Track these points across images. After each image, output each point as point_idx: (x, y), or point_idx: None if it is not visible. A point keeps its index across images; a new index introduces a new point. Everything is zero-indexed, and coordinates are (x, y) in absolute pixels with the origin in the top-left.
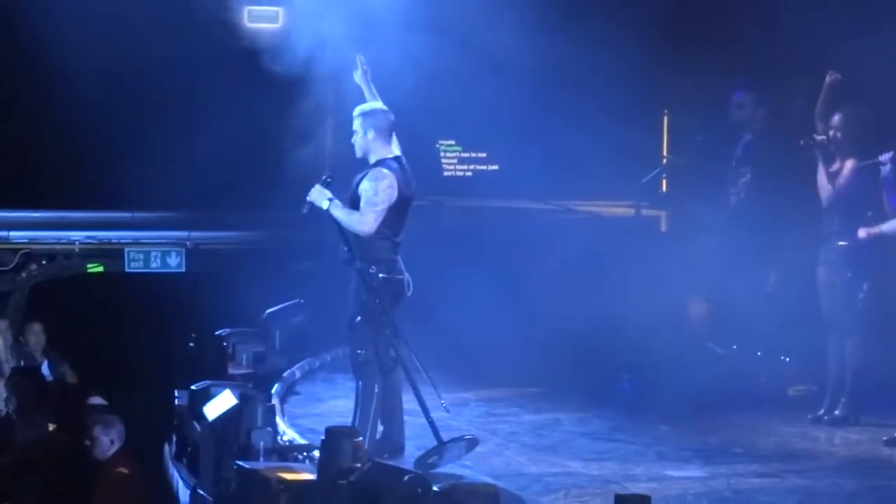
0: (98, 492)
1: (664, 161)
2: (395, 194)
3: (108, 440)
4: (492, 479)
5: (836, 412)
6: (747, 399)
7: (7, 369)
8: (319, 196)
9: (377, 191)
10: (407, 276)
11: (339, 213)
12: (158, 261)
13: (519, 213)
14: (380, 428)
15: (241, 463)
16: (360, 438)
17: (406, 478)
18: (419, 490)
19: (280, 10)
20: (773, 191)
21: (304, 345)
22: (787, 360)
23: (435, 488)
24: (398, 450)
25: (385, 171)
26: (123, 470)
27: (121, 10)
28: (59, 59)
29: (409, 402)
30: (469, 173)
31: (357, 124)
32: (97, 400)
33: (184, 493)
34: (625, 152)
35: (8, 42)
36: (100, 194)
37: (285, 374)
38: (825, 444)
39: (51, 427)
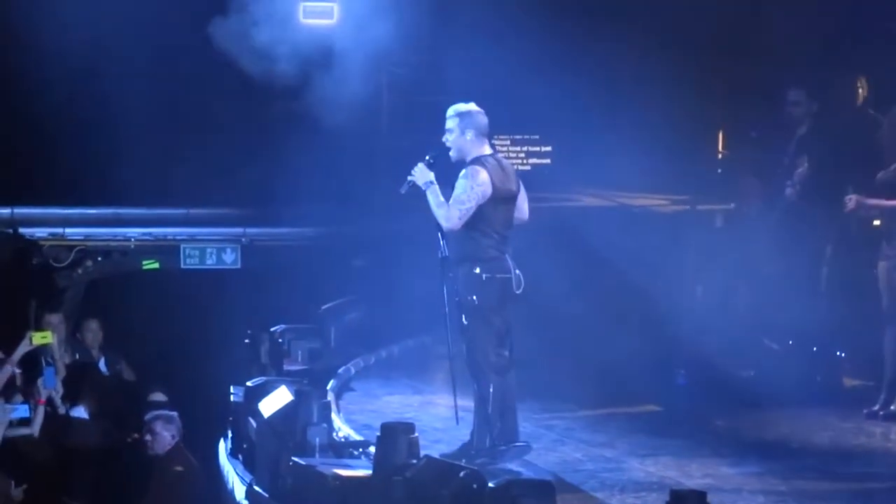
0: (155, 487)
1: (719, 156)
2: (488, 191)
3: (168, 436)
4: (547, 474)
5: (892, 407)
6: (802, 394)
7: (61, 365)
8: (422, 175)
9: (467, 188)
10: (516, 273)
11: (432, 199)
12: (214, 257)
13: (572, 209)
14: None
15: (296, 459)
16: (415, 436)
17: (462, 474)
18: (475, 486)
19: (335, 5)
20: (830, 186)
21: (360, 341)
22: (843, 355)
23: (490, 484)
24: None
25: (479, 168)
26: (181, 466)
27: (168, 8)
28: (111, 58)
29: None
30: (528, 167)
31: (453, 124)
32: (158, 396)
33: (239, 490)
34: (680, 147)
35: (60, 46)
36: (156, 191)
37: (340, 371)
38: (881, 439)
39: (107, 423)
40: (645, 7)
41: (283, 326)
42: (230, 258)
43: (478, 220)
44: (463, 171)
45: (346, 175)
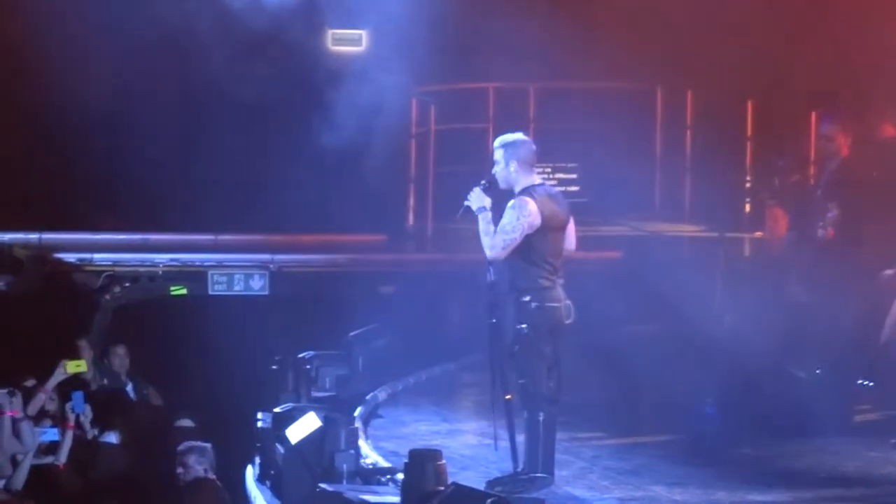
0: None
1: (747, 185)
2: (536, 221)
3: (201, 469)
4: (574, 502)
5: None
6: (830, 423)
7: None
8: (477, 200)
9: (513, 219)
10: (566, 302)
11: (482, 225)
12: (242, 283)
13: (600, 238)
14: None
15: (324, 485)
16: (442, 462)
17: (489, 501)
18: None
19: (364, 32)
20: (861, 229)
21: (387, 368)
22: (871, 384)
23: None
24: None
25: (527, 198)
26: (210, 494)
27: (198, 35)
28: (140, 83)
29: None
30: None
31: (499, 155)
32: (185, 422)
33: None
34: (708, 176)
35: (88, 72)
36: (183, 217)
37: (368, 397)
38: None
39: (136, 449)
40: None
41: (310, 353)
42: (258, 284)
43: (527, 250)
44: (511, 202)
45: (374, 201)
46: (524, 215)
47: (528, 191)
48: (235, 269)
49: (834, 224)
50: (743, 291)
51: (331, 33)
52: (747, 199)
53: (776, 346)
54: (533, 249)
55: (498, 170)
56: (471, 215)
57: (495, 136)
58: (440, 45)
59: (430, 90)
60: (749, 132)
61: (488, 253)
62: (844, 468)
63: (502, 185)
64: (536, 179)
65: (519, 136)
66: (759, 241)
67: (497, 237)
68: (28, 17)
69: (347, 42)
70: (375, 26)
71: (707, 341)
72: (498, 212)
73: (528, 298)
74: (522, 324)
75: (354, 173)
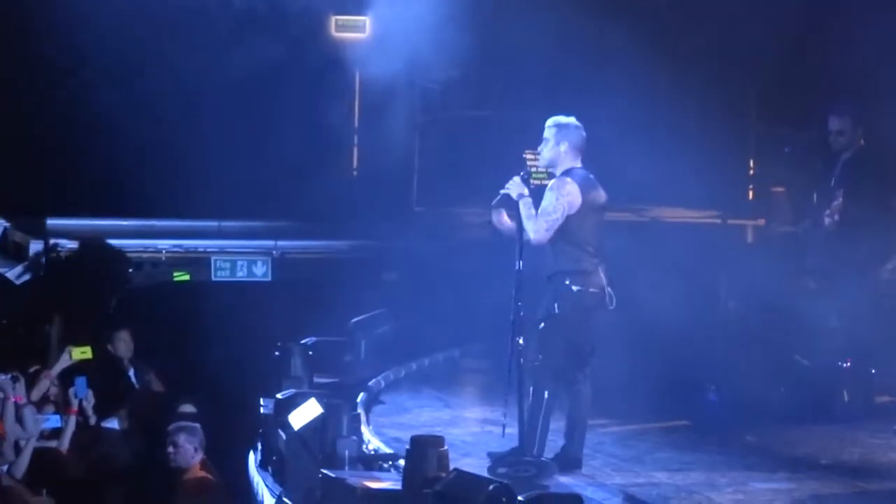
0: (179, 500)
1: (750, 172)
2: (576, 201)
3: (192, 448)
4: (576, 488)
5: None
6: (833, 410)
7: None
8: (516, 188)
9: (554, 199)
10: (609, 290)
11: (524, 210)
12: (245, 269)
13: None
14: (562, 440)
15: (326, 471)
16: (444, 449)
17: (491, 487)
18: (504, 500)
19: (367, 19)
20: (866, 219)
21: (390, 354)
22: (874, 371)
23: (520, 498)
24: (575, 464)
25: (568, 179)
26: (206, 478)
27: (201, 21)
28: (143, 71)
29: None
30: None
31: (550, 133)
32: (188, 408)
33: (269, 502)
34: (711, 161)
35: (91, 57)
36: (187, 203)
37: (370, 384)
38: None
39: (138, 435)
40: (681, 20)
41: (313, 339)
42: (261, 271)
43: (568, 233)
44: (550, 183)
45: (376, 189)
46: (563, 195)
47: (569, 173)
48: (239, 255)
49: (839, 211)
50: (746, 278)
51: (334, 19)
52: (751, 186)
53: (783, 334)
54: (573, 231)
55: (546, 148)
56: (509, 203)
57: (496, 123)
58: (445, 31)
59: (435, 78)
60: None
61: (532, 237)
62: (847, 455)
63: (542, 163)
64: (578, 164)
65: (572, 119)
66: (762, 228)
67: (539, 220)
68: None
69: (351, 28)
70: (378, 12)
71: (711, 327)
72: (537, 200)
73: (568, 282)
74: (556, 303)
75: (359, 160)
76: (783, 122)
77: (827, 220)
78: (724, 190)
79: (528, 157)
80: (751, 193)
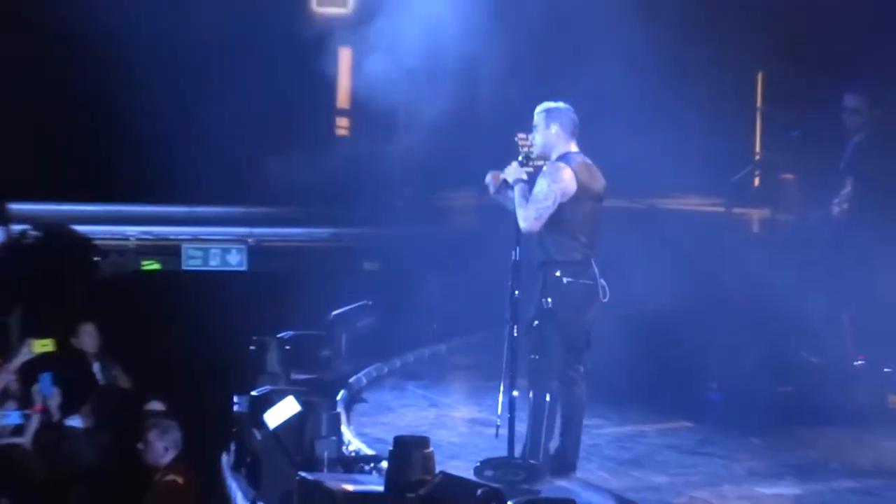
0: (149, 501)
1: (756, 157)
2: (571, 188)
3: (161, 446)
4: (568, 493)
5: None
6: (844, 411)
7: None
8: (514, 172)
9: (544, 186)
10: (602, 281)
11: (517, 196)
12: (218, 258)
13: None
14: (556, 442)
15: (303, 474)
16: (430, 450)
17: (479, 491)
18: None
19: None
20: (877, 206)
21: (372, 349)
22: (888, 370)
23: (510, 503)
24: (569, 468)
25: (561, 164)
26: (176, 479)
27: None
28: (115, 49)
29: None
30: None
31: (539, 119)
32: (156, 405)
33: None
34: (716, 148)
35: (62, 32)
36: (156, 187)
37: (351, 381)
38: None
39: (103, 434)
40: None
41: (290, 333)
42: (235, 260)
43: (561, 221)
44: (544, 169)
45: (359, 172)
46: (556, 181)
47: (563, 157)
48: (211, 243)
49: (848, 200)
50: (751, 270)
51: None
52: (757, 173)
53: (790, 330)
54: (566, 220)
55: (537, 134)
56: (505, 190)
57: (486, 105)
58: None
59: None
60: (759, 103)
61: (522, 225)
62: (858, 459)
63: (536, 150)
64: (574, 148)
65: (560, 104)
66: (768, 217)
67: (529, 208)
68: None
69: (333, 3)
70: None
71: (714, 323)
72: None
73: (558, 273)
74: (548, 297)
75: (342, 144)
76: (791, 104)
77: (836, 210)
78: (728, 177)
79: (521, 138)
80: (756, 181)
